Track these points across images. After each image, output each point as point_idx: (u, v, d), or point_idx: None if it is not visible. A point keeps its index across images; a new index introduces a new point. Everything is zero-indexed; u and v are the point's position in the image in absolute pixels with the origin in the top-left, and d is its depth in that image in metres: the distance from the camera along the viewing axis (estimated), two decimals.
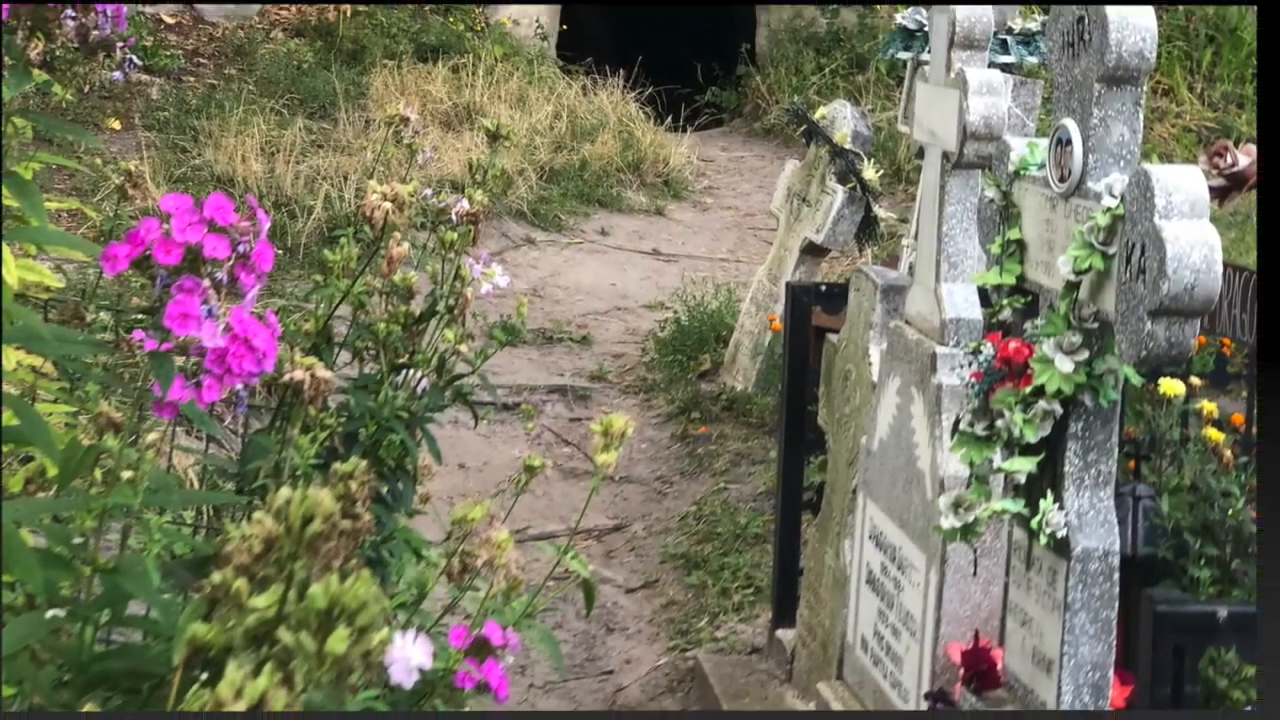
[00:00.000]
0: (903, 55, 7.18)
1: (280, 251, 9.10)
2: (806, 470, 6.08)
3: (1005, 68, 7.21)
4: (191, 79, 13.60)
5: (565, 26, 16.22)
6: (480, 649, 2.96)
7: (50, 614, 2.66)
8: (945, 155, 4.70)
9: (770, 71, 15.75)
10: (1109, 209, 3.59)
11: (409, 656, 2.35)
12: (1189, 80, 15.64)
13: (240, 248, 2.47)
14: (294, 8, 15.18)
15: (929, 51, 6.83)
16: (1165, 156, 11.74)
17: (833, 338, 5.69)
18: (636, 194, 12.83)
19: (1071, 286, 3.69)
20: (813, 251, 8.49)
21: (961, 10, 4.77)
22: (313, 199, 10.90)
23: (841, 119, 8.46)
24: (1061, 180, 3.83)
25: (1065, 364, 3.69)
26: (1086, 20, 3.79)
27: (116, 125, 12.22)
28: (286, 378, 2.86)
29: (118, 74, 2.82)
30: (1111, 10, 3.71)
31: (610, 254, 11.53)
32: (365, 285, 3.49)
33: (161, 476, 2.65)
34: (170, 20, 14.69)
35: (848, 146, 8.34)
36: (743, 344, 8.77)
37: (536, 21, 15.87)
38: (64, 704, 2.51)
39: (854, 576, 5.23)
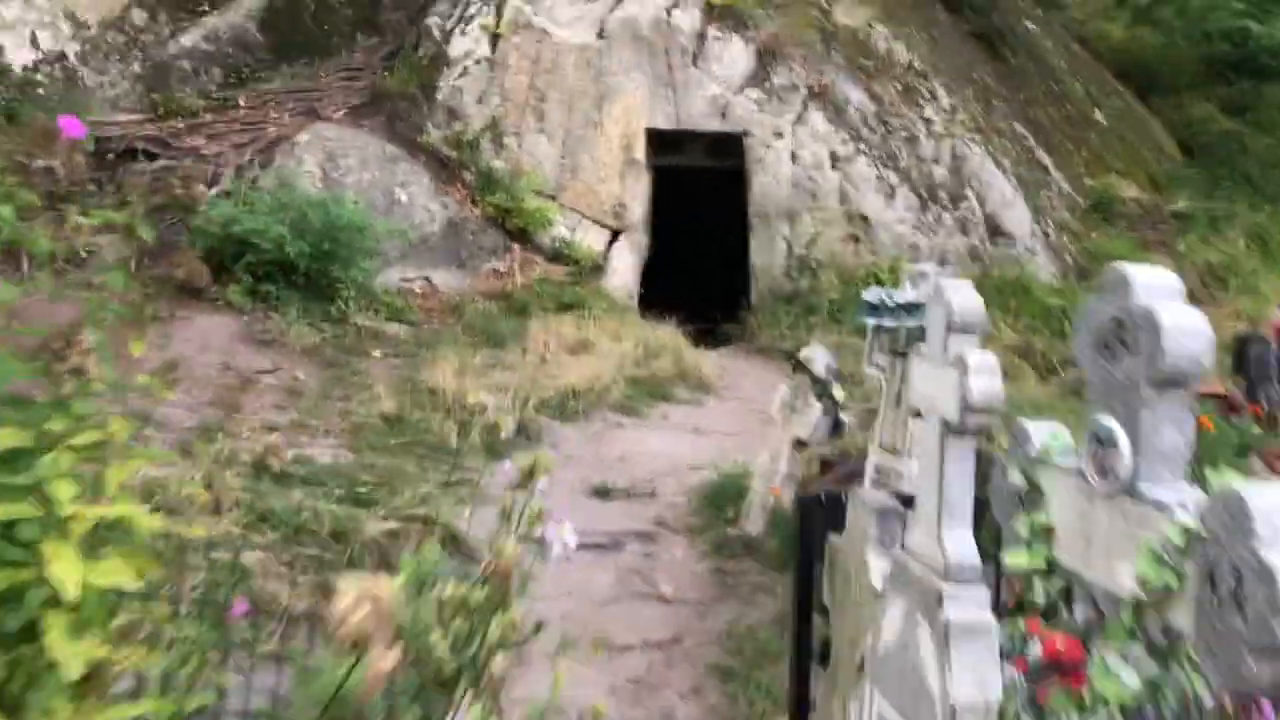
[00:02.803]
0: (868, 320, 5.32)
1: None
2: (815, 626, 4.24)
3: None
4: (426, 325, 11.94)
5: (644, 290, 14.57)
6: None
7: None
8: (945, 423, 2.85)
9: (760, 315, 14.05)
10: (1184, 525, 1.74)
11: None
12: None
13: None
14: (489, 288, 13.46)
15: (889, 320, 5.12)
16: None
17: (835, 540, 3.88)
18: (683, 391, 11.05)
19: (1139, 600, 1.84)
20: (799, 445, 6.68)
21: (956, 300, 2.95)
22: (480, 406, 8.99)
23: (818, 357, 6.71)
24: (1102, 477, 2.00)
25: (1131, 679, 1.82)
26: (1128, 322, 1.97)
27: (377, 355, 10.56)
28: None
29: None
30: (1164, 314, 1.89)
31: (668, 431, 9.73)
32: None
33: None
34: (418, 290, 13.15)
35: (821, 376, 6.57)
36: (754, 504, 6.92)
37: (627, 289, 14.26)
38: None
39: None
